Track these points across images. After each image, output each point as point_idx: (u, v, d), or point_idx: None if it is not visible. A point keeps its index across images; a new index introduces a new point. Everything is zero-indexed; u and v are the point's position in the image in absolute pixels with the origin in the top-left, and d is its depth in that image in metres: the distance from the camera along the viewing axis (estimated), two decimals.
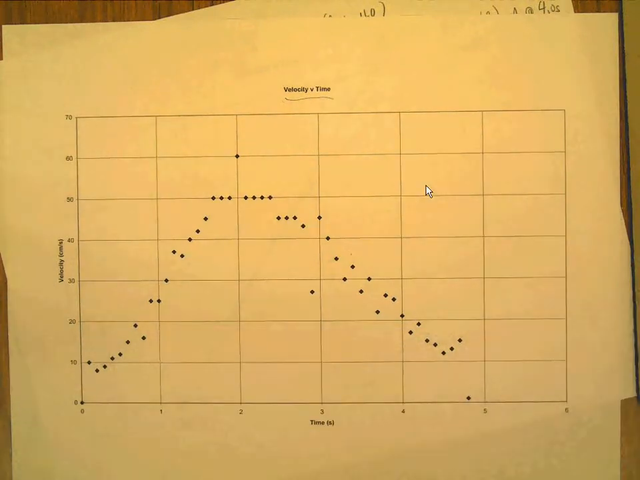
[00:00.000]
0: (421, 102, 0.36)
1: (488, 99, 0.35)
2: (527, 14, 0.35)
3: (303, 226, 0.36)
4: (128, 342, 0.36)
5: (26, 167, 0.36)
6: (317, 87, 0.36)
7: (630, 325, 0.35)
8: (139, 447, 0.36)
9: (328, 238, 0.36)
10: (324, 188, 0.36)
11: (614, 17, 0.35)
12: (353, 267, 0.36)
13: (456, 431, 0.36)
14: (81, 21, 0.36)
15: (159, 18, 0.36)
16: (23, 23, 0.36)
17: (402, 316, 0.36)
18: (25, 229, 0.36)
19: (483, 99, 0.35)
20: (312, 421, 0.36)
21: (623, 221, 0.35)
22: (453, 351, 0.36)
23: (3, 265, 0.36)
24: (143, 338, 0.36)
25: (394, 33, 0.35)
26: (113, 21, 0.36)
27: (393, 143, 0.36)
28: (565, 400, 0.36)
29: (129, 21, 0.36)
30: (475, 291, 0.36)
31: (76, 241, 0.36)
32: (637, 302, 0.35)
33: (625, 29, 0.35)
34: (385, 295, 0.36)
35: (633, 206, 0.35)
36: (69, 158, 0.36)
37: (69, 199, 0.36)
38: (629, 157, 0.35)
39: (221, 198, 0.36)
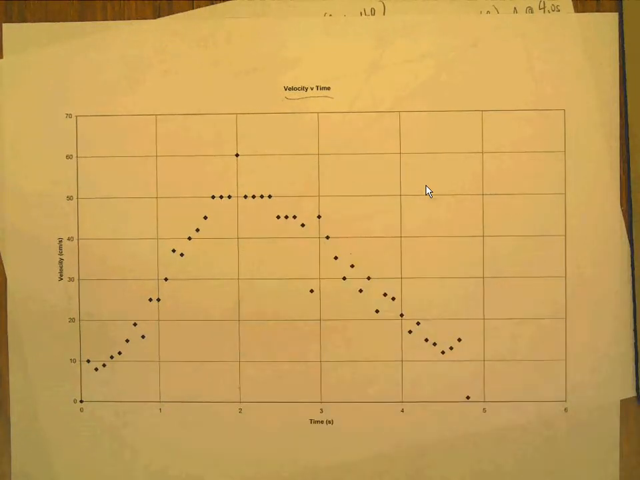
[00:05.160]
0: (421, 102, 0.36)
1: (488, 99, 0.35)
2: (527, 13, 0.35)
3: (303, 225, 0.36)
4: (127, 341, 0.36)
5: (26, 166, 0.36)
6: (317, 86, 0.36)
7: (630, 324, 0.35)
8: (137, 446, 0.36)
9: (327, 237, 0.36)
10: (324, 187, 0.36)
11: (614, 16, 0.35)
12: (352, 266, 0.36)
13: (455, 431, 0.36)
14: (81, 21, 0.36)
15: (159, 17, 0.36)
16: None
17: (401, 315, 0.36)
18: (25, 227, 0.36)
19: (483, 98, 0.35)
20: (311, 420, 0.36)
21: (623, 220, 0.35)
22: (453, 350, 0.36)
23: (2, 263, 0.36)
24: (143, 337, 0.36)
25: (394, 33, 0.35)
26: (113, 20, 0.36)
27: (393, 142, 0.36)
28: (564, 400, 0.36)
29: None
30: (474, 291, 0.36)
31: (75, 239, 0.36)
32: (637, 302, 0.35)
33: (624, 29, 0.35)
34: (385, 295, 0.36)
35: (633, 206, 0.35)
36: (68, 156, 0.36)
37: (69, 198, 0.36)
38: (628, 157, 0.35)
39: (221, 197, 0.36)
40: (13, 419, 0.37)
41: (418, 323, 0.36)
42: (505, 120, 0.35)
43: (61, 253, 0.36)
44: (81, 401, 0.37)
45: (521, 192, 0.35)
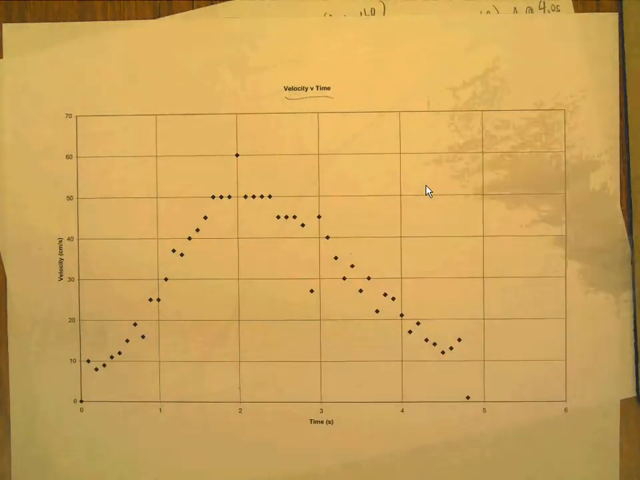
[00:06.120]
0: (421, 102, 0.36)
1: (487, 99, 0.35)
2: (527, 14, 0.35)
3: (303, 225, 0.36)
4: (127, 341, 0.36)
5: (26, 166, 0.36)
6: (317, 86, 0.36)
7: (630, 325, 0.35)
8: (138, 446, 0.36)
9: (327, 237, 0.36)
10: (324, 187, 0.36)
11: (614, 16, 0.35)
12: (352, 266, 0.36)
13: (455, 431, 0.36)
14: (81, 21, 0.36)
15: (159, 17, 0.36)
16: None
17: (401, 315, 0.36)
18: (25, 227, 0.36)
19: (483, 98, 0.35)
20: (311, 420, 0.36)
21: (623, 220, 0.35)
22: (453, 350, 0.36)
23: (2, 263, 0.36)
24: (143, 337, 0.36)
25: (394, 33, 0.35)
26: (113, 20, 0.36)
27: (393, 142, 0.36)
28: (564, 400, 0.36)
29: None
30: (474, 291, 0.36)
31: (75, 239, 0.36)
32: (636, 302, 0.35)
33: (624, 29, 0.35)
34: (385, 295, 0.36)
35: (633, 206, 0.35)
36: (68, 156, 0.36)
37: (69, 198, 0.36)
38: (628, 157, 0.35)
39: (221, 197, 0.36)
40: (14, 418, 0.37)
41: (418, 323, 0.36)
42: (505, 120, 0.35)
43: (61, 253, 0.36)
44: (81, 401, 0.37)
45: (520, 192, 0.35)
